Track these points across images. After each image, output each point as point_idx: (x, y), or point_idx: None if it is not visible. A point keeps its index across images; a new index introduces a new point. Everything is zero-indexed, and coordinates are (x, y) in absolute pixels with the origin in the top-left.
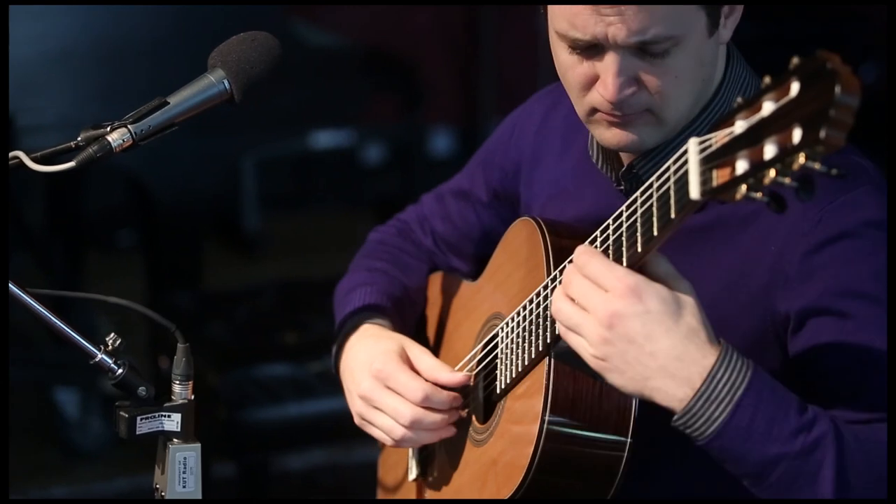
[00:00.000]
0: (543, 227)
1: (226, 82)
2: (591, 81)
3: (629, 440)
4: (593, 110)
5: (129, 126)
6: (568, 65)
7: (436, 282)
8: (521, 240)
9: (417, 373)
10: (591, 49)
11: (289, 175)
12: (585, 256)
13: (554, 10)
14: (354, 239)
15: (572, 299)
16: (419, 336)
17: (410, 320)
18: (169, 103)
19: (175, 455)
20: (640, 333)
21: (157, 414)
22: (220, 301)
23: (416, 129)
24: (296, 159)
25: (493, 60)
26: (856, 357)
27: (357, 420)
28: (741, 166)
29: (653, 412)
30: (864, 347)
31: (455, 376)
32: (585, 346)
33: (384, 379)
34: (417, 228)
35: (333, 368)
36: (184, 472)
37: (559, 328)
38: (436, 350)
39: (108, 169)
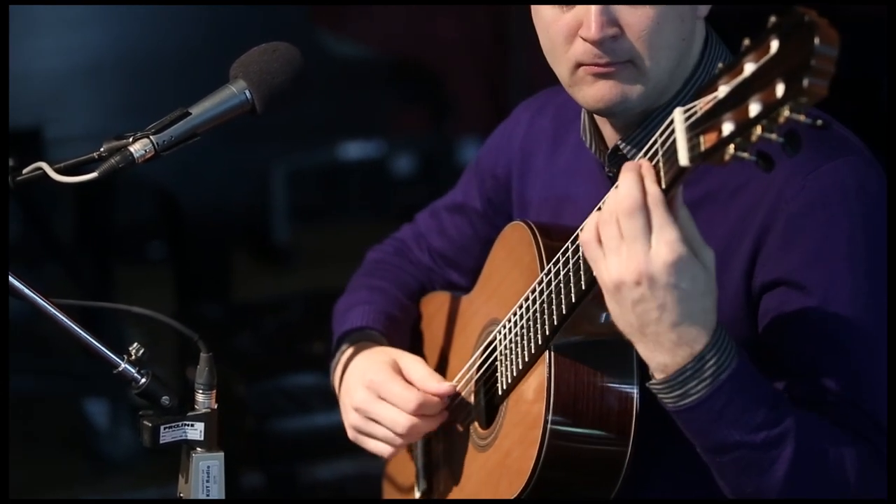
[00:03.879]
0: (534, 228)
1: (247, 93)
2: (575, 31)
3: (632, 435)
4: (577, 66)
5: (151, 137)
6: (551, 19)
7: (429, 302)
8: (512, 244)
9: (410, 382)
10: None
11: (318, 186)
12: (655, 198)
13: None
14: None
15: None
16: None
17: (406, 335)
18: (191, 114)
19: (198, 464)
20: (657, 300)
21: (180, 423)
22: (250, 312)
23: (445, 139)
24: (325, 170)
25: (522, 70)
26: (814, 335)
27: (352, 434)
28: (727, 128)
29: (651, 411)
30: (824, 326)
31: (443, 386)
32: (602, 271)
33: (377, 390)
34: (414, 246)
35: (331, 385)
36: (207, 481)
37: (587, 236)
38: (434, 367)
39: (139, 181)
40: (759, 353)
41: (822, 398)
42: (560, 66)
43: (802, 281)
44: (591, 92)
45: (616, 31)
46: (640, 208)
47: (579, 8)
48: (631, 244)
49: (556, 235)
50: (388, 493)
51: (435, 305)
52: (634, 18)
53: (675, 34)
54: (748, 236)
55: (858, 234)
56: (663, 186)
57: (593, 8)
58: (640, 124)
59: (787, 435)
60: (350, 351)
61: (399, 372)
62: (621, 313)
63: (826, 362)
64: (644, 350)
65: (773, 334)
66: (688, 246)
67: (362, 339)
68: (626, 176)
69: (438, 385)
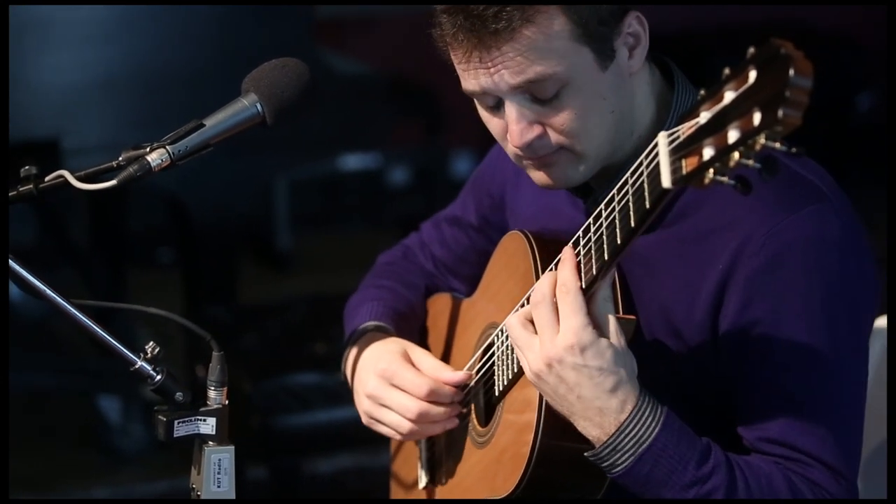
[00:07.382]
0: (530, 236)
1: (258, 106)
2: (506, 131)
3: None
4: (518, 156)
5: (167, 147)
6: (486, 119)
7: (434, 303)
8: (510, 252)
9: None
10: (496, 104)
11: (319, 196)
12: (567, 287)
13: (459, 72)
14: None
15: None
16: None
17: (414, 333)
18: (205, 125)
19: (210, 456)
20: (571, 380)
21: (193, 418)
22: (254, 314)
23: (439, 152)
24: (325, 181)
25: None
26: (774, 387)
27: (365, 419)
28: (708, 153)
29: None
30: (784, 381)
31: (456, 375)
32: (526, 364)
33: (389, 377)
34: (419, 253)
35: (342, 375)
36: (218, 473)
37: (514, 334)
38: None
39: (149, 190)
40: (724, 388)
41: (775, 446)
42: (507, 152)
43: (760, 336)
44: (536, 177)
45: (539, 131)
46: (546, 301)
47: (503, 115)
48: (541, 334)
49: (551, 245)
50: (394, 485)
51: (439, 307)
52: (554, 116)
53: (601, 114)
54: (710, 282)
55: (815, 292)
56: (647, 206)
57: (511, 118)
58: (614, 175)
59: (717, 491)
60: (362, 341)
61: (410, 360)
62: (550, 398)
63: (783, 416)
64: (580, 427)
65: (738, 380)
66: (595, 327)
67: (373, 330)
68: (546, 275)
69: (451, 374)
